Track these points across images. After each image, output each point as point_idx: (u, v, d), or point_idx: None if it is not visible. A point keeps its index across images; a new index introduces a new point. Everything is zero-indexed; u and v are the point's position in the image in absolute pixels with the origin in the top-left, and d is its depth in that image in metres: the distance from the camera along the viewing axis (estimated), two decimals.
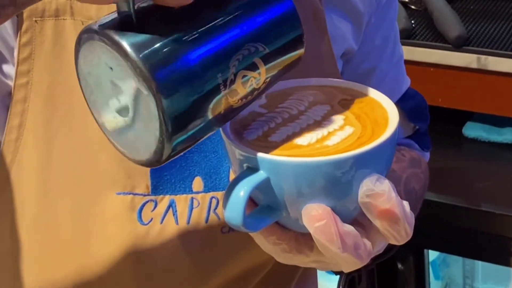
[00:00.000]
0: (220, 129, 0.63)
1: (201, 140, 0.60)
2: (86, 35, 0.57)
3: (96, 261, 0.78)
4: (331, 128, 0.62)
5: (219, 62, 0.58)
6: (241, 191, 0.59)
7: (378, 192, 0.60)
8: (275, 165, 0.60)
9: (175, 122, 0.56)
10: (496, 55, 1.49)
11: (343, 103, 0.65)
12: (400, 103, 1.01)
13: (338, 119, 0.63)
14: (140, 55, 0.55)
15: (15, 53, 0.77)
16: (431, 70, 1.54)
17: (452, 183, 1.48)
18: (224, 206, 0.60)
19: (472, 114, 1.60)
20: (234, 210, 0.60)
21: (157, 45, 0.55)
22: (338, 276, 1.53)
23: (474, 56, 1.50)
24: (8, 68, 0.77)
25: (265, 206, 0.63)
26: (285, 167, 0.59)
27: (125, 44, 0.55)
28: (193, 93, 0.56)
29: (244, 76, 0.59)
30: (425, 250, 1.55)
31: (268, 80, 0.61)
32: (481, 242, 1.47)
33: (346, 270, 0.64)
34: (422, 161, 1.02)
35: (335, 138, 0.61)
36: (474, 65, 1.50)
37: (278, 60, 0.61)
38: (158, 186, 0.79)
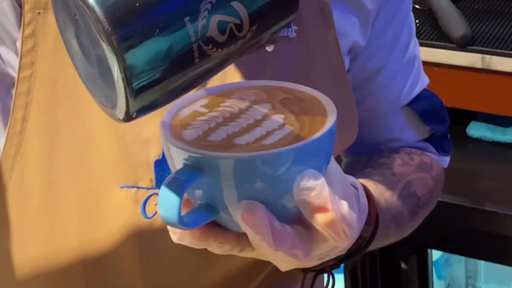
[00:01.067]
0: (160, 127, 0.61)
1: (184, 94, 0.57)
2: None
3: (101, 253, 0.78)
4: (270, 127, 0.62)
5: (185, 3, 0.53)
6: (176, 189, 0.59)
7: (310, 187, 0.59)
8: (208, 161, 0.59)
9: (138, 77, 0.53)
10: (501, 54, 1.49)
11: (284, 102, 0.65)
12: (412, 105, 0.97)
13: (278, 119, 0.63)
14: (100, 7, 0.52)
15: (18, 45, 0.76)
16: (435, 69, 1.53)
17: (455, 183, 1.47)
18: (160, 204, 0.59)
19: (476, 114, 1.59)
20: (169, 209, 0.59)
21: None
22: (343, 273, 1.53)
23: (479, 55, 1.50)
24: (13, 59, 0.77)
25: (203, 205, 0.62)
26: (219, 163, 0.59)
27: None
28: (156, 43, 0.53)
29: (221, 21, 0.55)
30: (429, 250, 1.55)
31: (255, 28, 0.56)
32: (484, 242, 1.47)
33: (283, 268, 0.64)
34: (435, 166, 0.98)
35: (273, 137, 0.61)
36: (478, 65, 1.50)
37: (264, 5, 0.56)
38: (162, 179, 0.78)
